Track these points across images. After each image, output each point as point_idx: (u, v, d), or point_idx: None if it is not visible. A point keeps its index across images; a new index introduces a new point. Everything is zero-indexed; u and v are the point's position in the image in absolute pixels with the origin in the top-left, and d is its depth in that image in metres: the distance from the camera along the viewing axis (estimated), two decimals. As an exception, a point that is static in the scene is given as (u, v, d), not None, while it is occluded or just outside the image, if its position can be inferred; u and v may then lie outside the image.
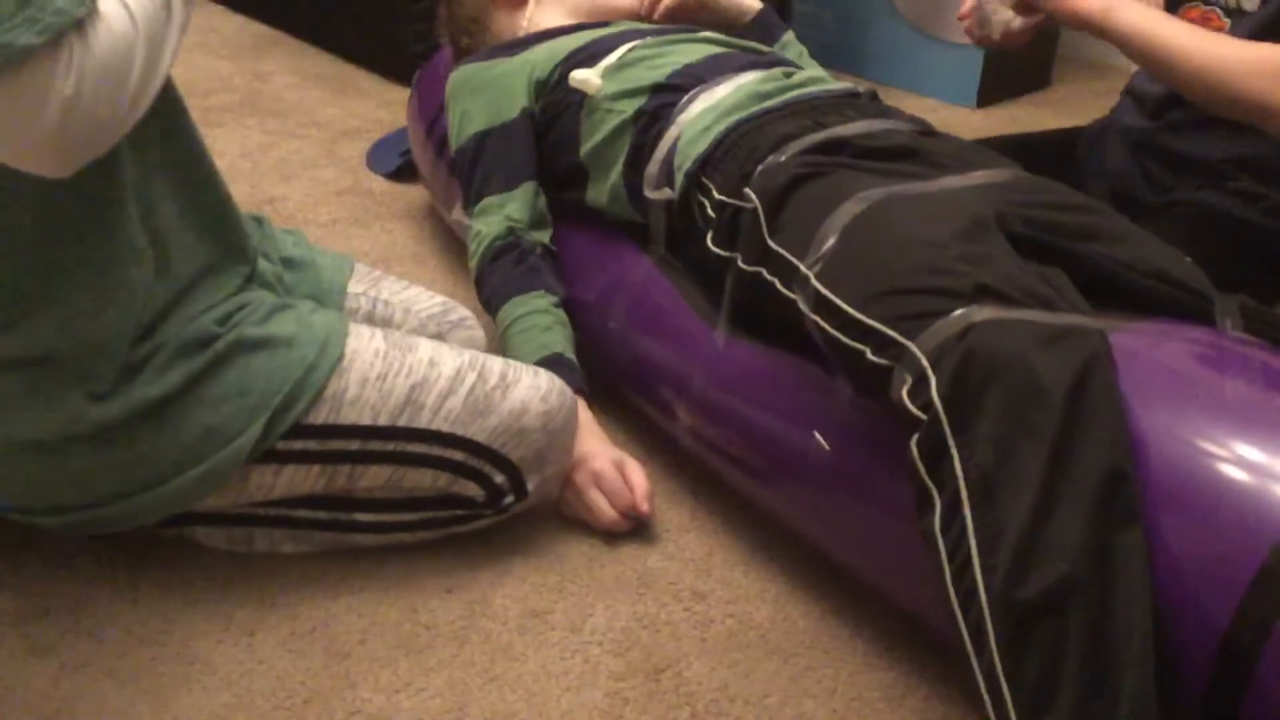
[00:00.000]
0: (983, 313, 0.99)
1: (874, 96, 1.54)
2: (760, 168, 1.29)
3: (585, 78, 1.53)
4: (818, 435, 1.19)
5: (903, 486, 1.01)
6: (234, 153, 2.29)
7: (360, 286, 1.43)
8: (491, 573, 1.29)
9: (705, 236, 1.34)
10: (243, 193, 2.11)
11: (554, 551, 1.33)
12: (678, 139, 1.43)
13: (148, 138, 1.11)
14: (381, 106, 2.53)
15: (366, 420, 1.20)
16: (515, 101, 1.59)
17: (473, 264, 1.53)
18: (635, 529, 1.35)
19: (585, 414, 1.39)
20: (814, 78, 1.51)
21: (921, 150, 1.30)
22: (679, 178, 1.41)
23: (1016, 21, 1.46)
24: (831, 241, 1.14)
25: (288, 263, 1.36)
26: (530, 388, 1.26)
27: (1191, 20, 1.45)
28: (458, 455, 1.23)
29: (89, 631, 1.20)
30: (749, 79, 1.47)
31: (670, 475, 1.44)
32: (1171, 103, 1.51)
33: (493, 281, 1.50)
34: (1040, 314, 1.01)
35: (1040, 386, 0.93)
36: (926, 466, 0.97)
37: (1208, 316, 1.13)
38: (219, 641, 1.19)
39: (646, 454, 1.46)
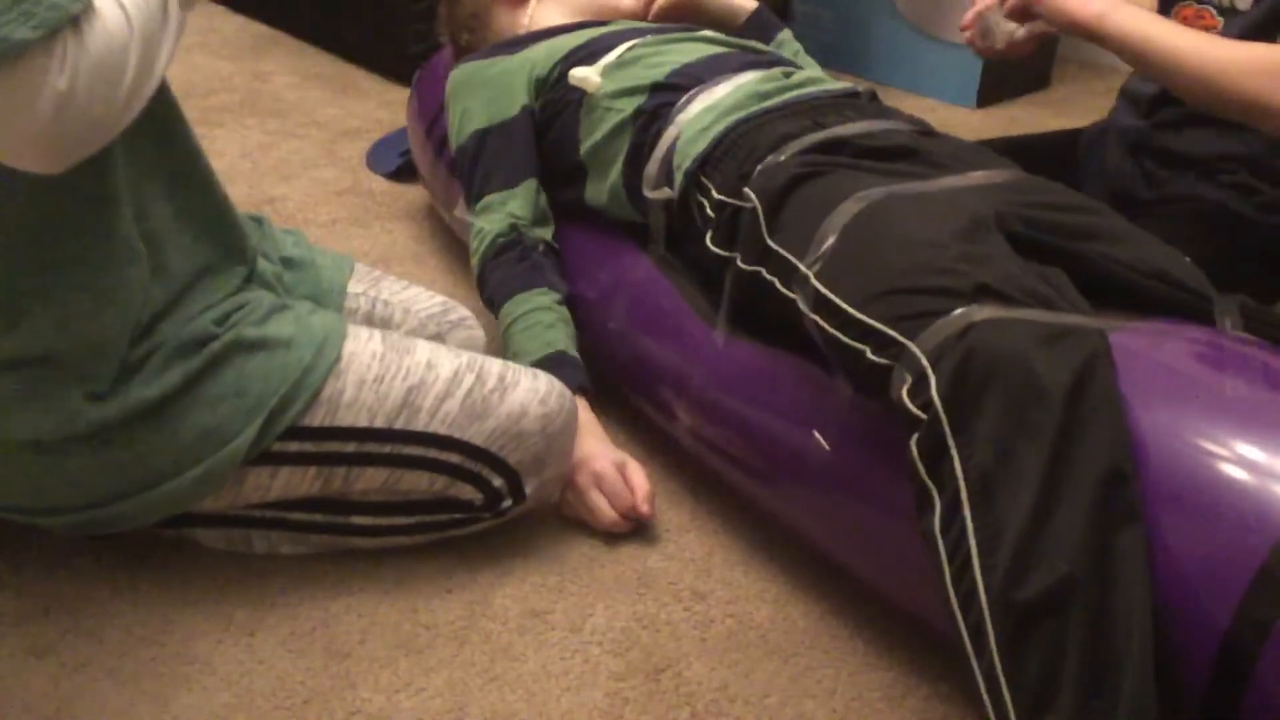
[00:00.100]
0: (982, 312, 0.99)
1: (873, 96, 1.54)
2: (760, 167, 1.29)
3: (585, 76, 1.53)
4: (817, 435, 1.19)
5: (902, 487, 1.01)
6: (234, 153, 2.28)
7: (360, 286, 1.43)
8: (491, 573, 1.29)
9: (704, 236, 1.34)
10: (243, 193, 2.11)
11: (554, 552, 1.33)
12: (677, 138, 1.43)
13: (141, 139, 1.11)
14: (381, 106, 2.53)
15: (363, 422, 1.20)
16: (515, 99, 1.59)
17: (474, 262, 1.53)
18: (635, 529, 1.35)
19: (587, 414, 1.38)
20: (813, 78, 1.51)
21: (921, 150, 1.30)
22: (678, 177, 1.41)
23: (1020, 31, 1.46)
24: (831, 241, 1.14)
25: (287, 262, 1.36)
26: (529, 390, 1.26)
27: (1185, 19, 1.45)
28: (455, 458, 1.23)
29: (89, 631, 1.20)
30: (748, 79, 1.47)
31: (670, 475, 1.44)
32: (1164, 101, 1.51)
33: (495, 279, 1.50)
34: (1040, 313, 1.01)
35: (1040, 386, 0.93)
36: (926, 466, 0.97)
37: (1207, 316, 1.13)
38: (219, 641, 1.19)
39: (647, 454, 1.46)
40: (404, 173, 2.18)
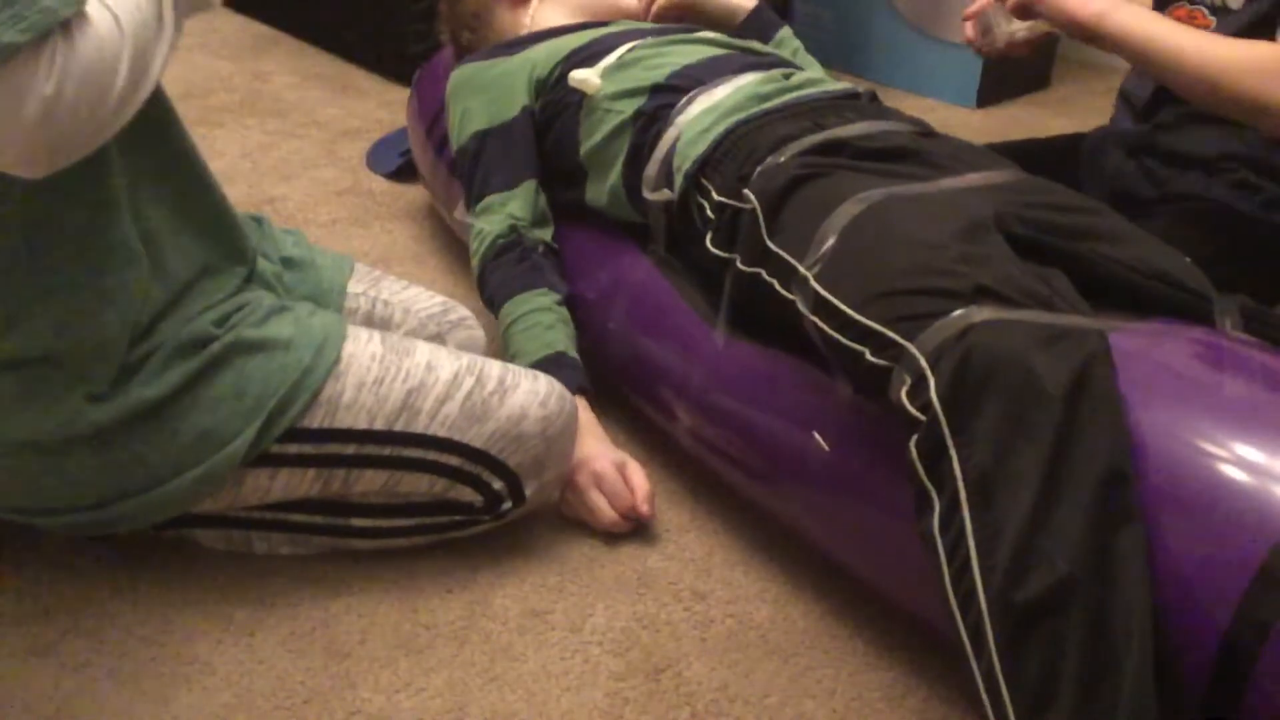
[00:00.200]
0: (982, 313, 0.99)
1: (873, 97, 1.54)
2: (759, 169, 1.29)
3: (584, 77, 1.53)
4: (817, 435, 1.19)
5: (902, 487, 1.01)
6: (234, 153, 2.28)
7: (360, 286, 1.43)
8: (491, 573, 1.29)
9: (704, 237, 1.34)
10: (243, 193, 2.11)
11: (554, 552, 1.33)
12: (677, 140, 1.43)
13: (136, 142, 1.11)
14: (381, 106, 2.53)
15: (362, 424, 1.20)
16: (515, 100, 1.59)
17: (475, 262, 1.53)
18: (635, 529, 1.35)
19: (587, 414, 1.39)
20: (813, 79, 1.51)
21: (921, 151, 1.30)
22: (678, 179, 1.41)
23: (1021, 31, 1.46)
24: (830, 242, 1.14)
25: (287, 263, 1.36)
26: (529, 393, 1.25)
27: (1178, 19, 1.45)
28: (454, 460, 1.23)
29: (89, 631, 1.20)
30: (748, 80, 1.47)
31: (670, 475, 1.44)
32: (1160, 102, 1.52)
33: (495, 279, 1.50)
34: (1039, 314, 1.01)
35: (1039, 387, 0.93)
36: (925, 467, 0.97)
37: (1207, 317, 1.13)
38: (219, 641, 1.19)
39: (646, 454, 1.46)
40: (404, 173, 2.18)
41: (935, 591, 0.96)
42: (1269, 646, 0.86)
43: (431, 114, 1.88)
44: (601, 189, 1.54)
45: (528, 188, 1.56)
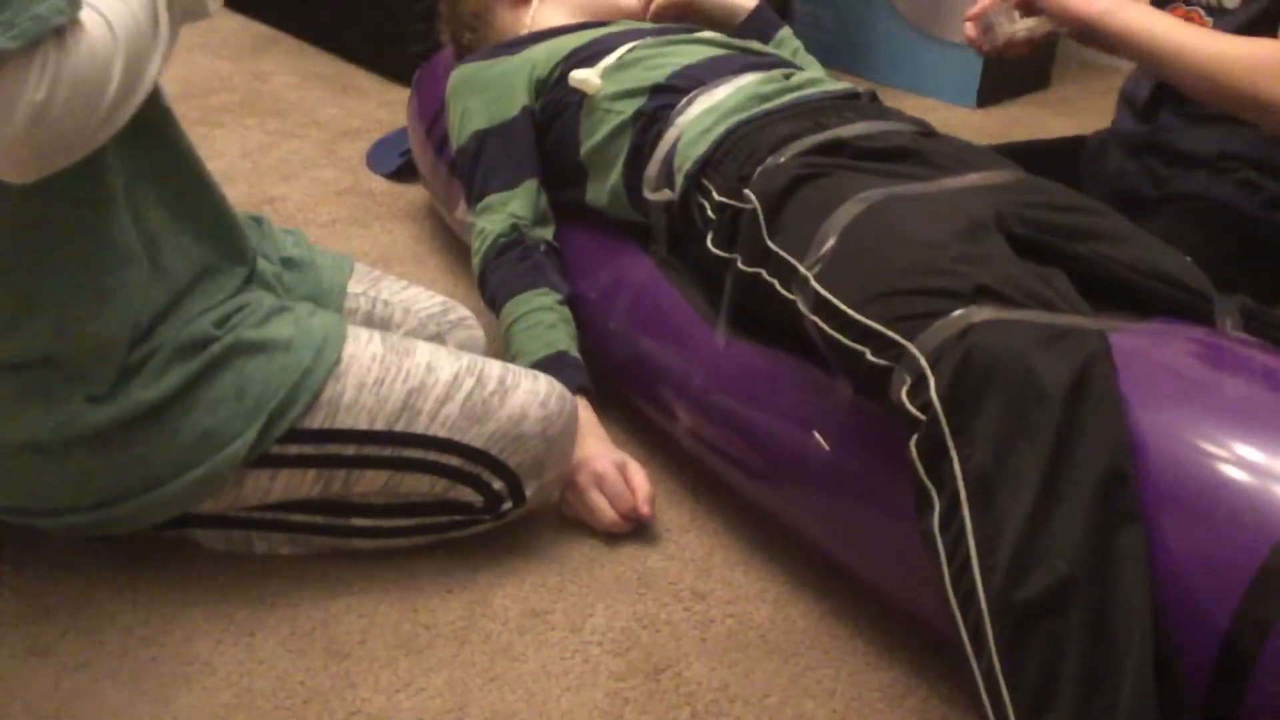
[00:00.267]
0: (982, 313, 0.99)
1: (874, 97, 1.54)
2: (760, 169, 1.29)
3: (585, 77, 1.53)
4: (817, 435, 1.19)
5: (902, 487, 1.01)
6: (234, 153, 2.28)
7: (360, 287, 1.43)
8: (491, 573, 1.29)
9: (705, 237, 1.34)
10: (242, 193, 2.11)
11: (554, 552, 1.33)
12: (677, 140, 1.43)
13: (134, 143, 1.11)
14: (381, 106, 2.53)
15: (363, 425, 1.20)
16: (516, 100, 1.59)
17: (476, 262, 1.53)
18: (635, 530, 1.35)
19: (588, 414, 1.38)
20: (813, 79, 1.51)
21: (921, 151, 1.30)
22: (679, 179, 1.41)
23: (1021, 31, 1.46)
24: (831, 242, 1.14)
25: (287, 263, 1.36)
26: (529, 393, 1.25)
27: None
28: (455, 461, 1.23)
29: (89, 631, 1.20)
30: (748, 80, 1.47)
31: (670, 475, 1.44)
32: (1159, 102, 1.52)
33: (496, 279, 1.50)
34: (1040, 314, 1.01)
35: (1039, 387, 0.93)
36: (925, 467, 0.97)
37: (1208, 317, 1.13)
38: (219, 641, 1.19)
39: (647, 454, 1.46)
40: (404, 173, 2.18)
41: (935, 591, 0.96)
42: (1269, 646, 0.86)
43: (431, 114, 1.88)
44: (602, 189, 1.54)
45: (529, 187, 1.56)
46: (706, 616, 1.25)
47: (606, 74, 1.53)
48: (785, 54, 1.73)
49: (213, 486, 1.17)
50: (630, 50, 1.56)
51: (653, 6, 1.77)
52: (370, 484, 1.23)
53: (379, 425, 1.20)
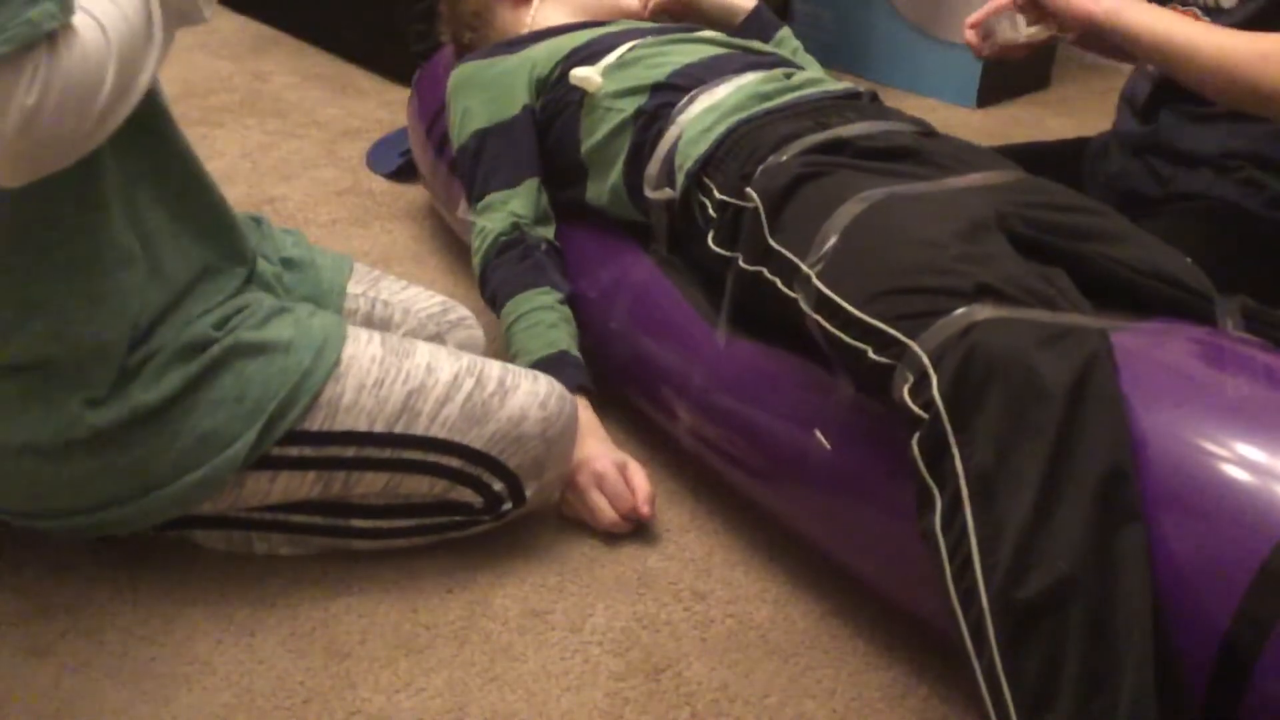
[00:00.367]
0: (984, 312, 0.99)
1: (874, 97, 1.54)
2: (761, 167, 1.29)
3: (585, 75, 1.53)
4: (818, 434, 1.19)
5: (903, 487, 1.01)
6: (234, 153, 2.28)
7: (359, 287, 1.43)
8: (491, 573, 1.29)
9: (706, 236, 1.34)
10: (242, 193, 2.11)
11: (554, 552, 1.33)
12: (678, 139, 1.43)
13: (131, 144, 1.11)
14: (381, 106, 2.53)
15: (363, 427, 1.20)
16: (516, 99, 1.59)
17: (476, 261, 1.53)
18: (635, 530, 1.35)
19: (588, 414, 1.38)
20: (814, 79, 1.51)
21: (922, 151, 1.30)
22: (680, 177, 1.41)
23: (1021, 36, 1.47)
24: (833, 241, 1.14)
25: (287, 263, 1.36)
26: (529, 394, 1.25)
27: None
28: (455, 462, 1.23)
29: (89, 631, 1.20)
30: (749, 80, 1.47)
31: (670, 475, 1.44)
32: (1158, 102, 1.52)
33: (497, 278, 1.50)
34: (1041, 313, 1.01)
35: (1041, 386, 0.93)
36: (927, 465, 0.97)
37: (1209, 317, 1.13)
38: (219, 641, 1.19)
39: (647, 454, 1.46)
40: (404, 173, 2.18)
41: (935, 591, 0.96)
42: (1270, 645, 0.86)
43: (432, 114, 1.88)
44: (602, 188, 1.54)
45: (529, 186, 1.56)
46: (706, 616, 1.25)
47: (607, 72, 1.53)
48: (785, 54, 1.73)
49: (213, 488, 1.17)
50: (631, 49, 1.56)
51: (650, 4, 1.77)
52: (370, 485, 1.23)
53: (379, 427, 1.20)
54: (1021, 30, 1.45)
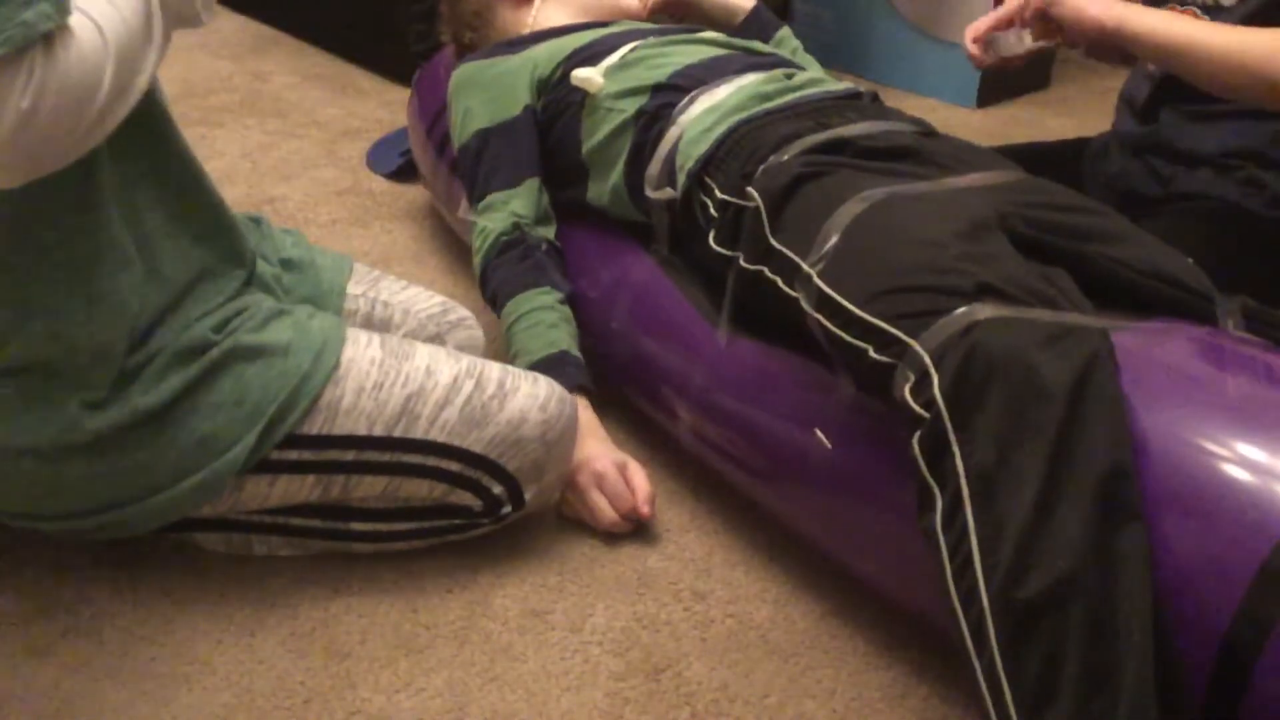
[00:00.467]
0: (985, 311, 0.99)
1: (875, 98, 1.54)
2: (762, 167, 1.29)
3: (587, 76, 1.53)
4: (819, 433, 1.19)
5: (904, 486, 1.01)
6: (234, 153, 2.28)
7: (359, 288, 1.43)
8: (491, 573, 1.29)
9: (707, 235, 1.34)
10: (242, 193, 2.11)
11: (554, 552, 1.33)
12: (679, 139, 1.43)
13: (130, 145, 1.11)
14: (381, 106, 2.53)
15: (362, 430, 1.19)
16: (518, 99, 1.59)
17: (477, 260, 1.53)
18: (635, 530, 1.35)
19: (588, 414, 1.38)
20: (815, 79, 1.51)
21: (923, 151, 1.30)
22: (681, 177, 1.41)
23: (1019, 49, 1.47)
24: (834, 240, 1.14)
25: (287, 264, 1.36)
26: (529, 397, 1.25)
27: None
28: (454, 466, 1.23)
29: (89, 631, 1.20)
30: (750, 80, 1.47)
31: (670, 475, 1.44)
32: (1158, 103, 1.52)
33: (498, 278, 1.50)
34: (1043, 313, 1.01)
35: (1042, 385, 0.93)
36: (928, 464, 0.97)
37: (1209, 317, 1.13)
38: (219, 641, 1.19)
39: (647, 454, 1.46)
40: (404, 173, 2.18)
41: (936, 590, 0.96)
42: (1270, 645, 0.86)
43: (432, 114, 1.88)
44: (603, 188, 1.54)
45: (530, 186, 1.56)
46: (706, 616, 1.25)
47: (609, 73, 1.53)
48: (785, 53, 1.73)
49: (212, 492, 1.17)
50: (632, 50, 1.56)
51: (649, 3, 1.78)
52: (369, 489, 1.23)
53: (378, 430, 1.20)
54: (1025, 44, 1.46)
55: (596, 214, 1.58)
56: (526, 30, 1.75)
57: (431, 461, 1.22)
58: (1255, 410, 0.96)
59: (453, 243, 1.95)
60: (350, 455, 1.20)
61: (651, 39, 1.59)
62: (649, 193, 1.46)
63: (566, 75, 1.56)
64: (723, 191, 1.33)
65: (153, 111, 1.14)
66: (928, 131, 1.40)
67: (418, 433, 1.21)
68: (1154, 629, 0.89)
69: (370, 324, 1.41)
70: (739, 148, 1.36)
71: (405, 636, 1.21)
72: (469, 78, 1.63)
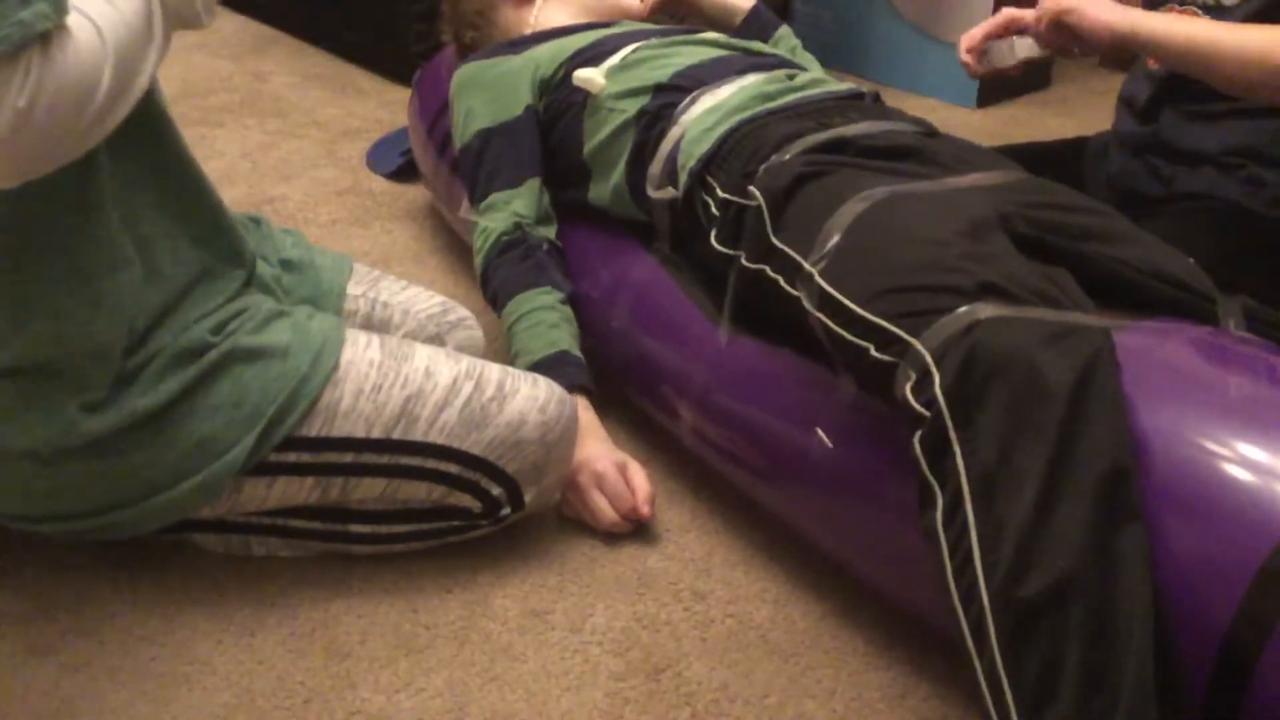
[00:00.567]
0: (987, 310, 0.99)
1: (877, 98, 1.54)
2: (764, 166, 1.29)
3: (589, 77, 1.53)
4: (820, 432, 1.19)
5: (904, 485, 1.01)
6: (234, 153, 2.28)
7: (359, 288, 1.43)
8: (491, 573, 1.29)
9: (709, 234, 1.34)
10: (242, 193, 2.11)
11: (554, 552, 1.32)
12: (681, 138, 1.43)
13: (130, 146, 1.11)
14: (381, 106, 2.53)
15: (360, 433, 1.19)
16: (519, 99, 1.59)
17: (478, 260, 1.53)
18: (635, 530, 1.35)
19: (588, 415, 1.38)
20: (817, 79, 1.51)
21: (924, 150, 1.30)
22: (683, 176, 1.41)
23: (1013, 59, 1.47)
24: (835, 239, 1.14)
25: (286, 265, 1.36)
26: (528, 398, 1.25)
27: None
28: (453, 468, 1.22)
29: (89, 631, 1.20)
30: (752, 80, 1.47)
31: (671, 475, 1.44)
32: (1160, 104, 1.52)
33: (498, 277, 1.50)
34: (1044, 312, 1.01)
35: (1043, 384, 0.93)
36: (929, 462, 0.97)
37: (1211, 317, 1.13)
38: (219, 642, 1.19)
39: (647, 454, 1.46)
40: (404, 173, 2.18)
41: (936, 590, 0.96)
42: (1270, 645, 0.86)
43: (433, 114, 1.88)
44: (605, 188, 1.54)
45: (531, 186, 1.56)
46: (706, 616, 1.25)
47: (610, 74, 1.53)
48: (784, 52, 1.73)
49: (210, 494, 1.17)
50: (634, 51, 1.56)
51: (649, 3, 1.78)
52: (368, 491, 1.22)
53: (376, 433, 1.19)
54: (1019, 54, 1.46)
55: (597, 214, 1.58)
56: (528, 30, 1.75)
57: (430, 463, 1.22)
58: (1256, 410, 0.96)
59: (453, 243, 1.95)
60: (349, 457, 1.20)
61: (654, 40, 1.60)
62: (650, 192, 1.46)
63: (568, 76, 1.56)
64: (724, 190, 1.33)
65: (152, 112, 1.14)
66: (929, 131, 1.40)
67: (416, 435, 1.21)
68: (1154, 629, 0.89)
69: (370, 324, 1.41)
70: (741, 147, 1.36)
71: (405, 636, 1.21)
72: (471, 78, 1.63)
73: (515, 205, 1.54)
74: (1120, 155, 1.58)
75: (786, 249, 1.19)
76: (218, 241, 1.22)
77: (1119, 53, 1.41)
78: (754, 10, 1.83)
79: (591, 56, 1.58)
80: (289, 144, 2.33)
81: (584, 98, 1.55)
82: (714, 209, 1.35)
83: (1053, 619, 0.89)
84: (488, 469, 1.23)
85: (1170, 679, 0.90)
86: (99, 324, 1.10)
